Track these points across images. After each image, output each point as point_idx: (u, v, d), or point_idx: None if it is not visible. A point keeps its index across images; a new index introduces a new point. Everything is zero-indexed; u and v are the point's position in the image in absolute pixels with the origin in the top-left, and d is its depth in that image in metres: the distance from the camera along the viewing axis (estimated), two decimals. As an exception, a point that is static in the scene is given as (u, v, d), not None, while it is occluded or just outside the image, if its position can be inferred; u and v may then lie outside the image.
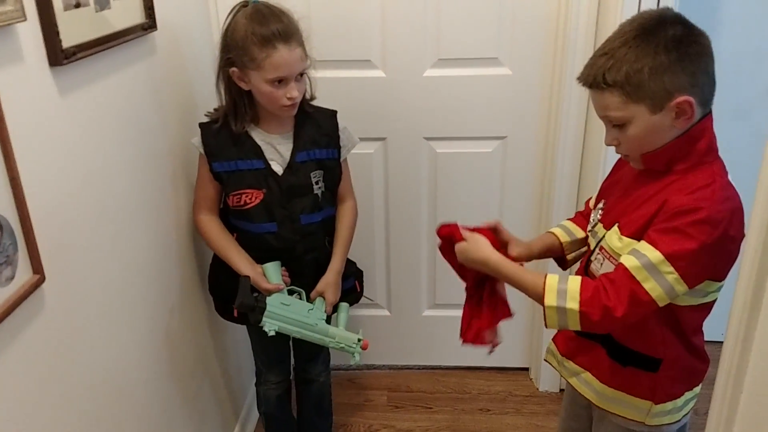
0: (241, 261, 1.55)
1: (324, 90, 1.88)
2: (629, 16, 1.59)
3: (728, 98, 2.14)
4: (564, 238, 1.37)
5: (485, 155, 2.07)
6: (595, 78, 1.05)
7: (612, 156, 1.27)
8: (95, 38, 1.15)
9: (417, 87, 1.99)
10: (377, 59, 1.97)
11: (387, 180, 2.14)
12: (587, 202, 1.40)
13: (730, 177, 1.09)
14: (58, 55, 1.03)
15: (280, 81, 1.42)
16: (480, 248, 1.23)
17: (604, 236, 1.17)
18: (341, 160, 1.63)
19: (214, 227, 1.59)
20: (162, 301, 1.48)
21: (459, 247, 1.25)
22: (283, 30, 1.39)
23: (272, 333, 1.49)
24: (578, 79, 1.10)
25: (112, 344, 1.24)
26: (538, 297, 1.10)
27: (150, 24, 1.38)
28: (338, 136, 1.60)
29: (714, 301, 1.15)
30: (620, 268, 1.05)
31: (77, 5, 1.10)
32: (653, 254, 1.02)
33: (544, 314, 1.09)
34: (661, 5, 1.66)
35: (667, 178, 1.09)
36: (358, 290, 1.77)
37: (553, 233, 1.39)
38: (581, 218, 1.39)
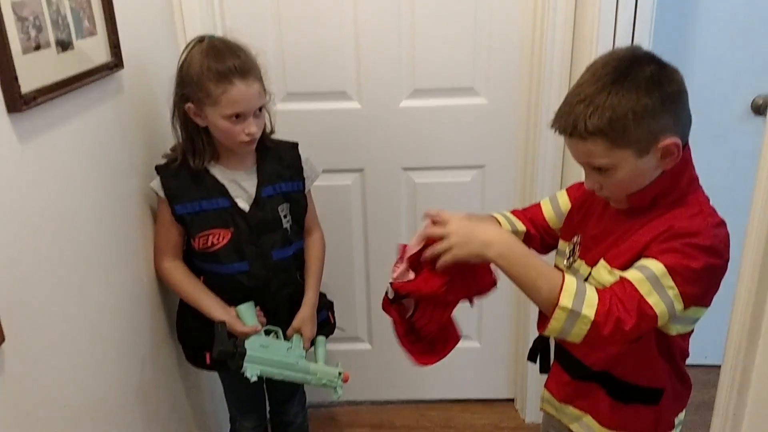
0: (213, 306, 1.49)
1: (299, 122, 1.85)
2: (603, 44, 1.65)
3: (704, 122, 2.14)
4: (505, 226, 1.29)
5: (464, 185, 2.04)
6: (575, 126, 1.00)
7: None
8: (58, 81, 1.11)
9: (393, 118, 1.96)
10: (352, 91, 1.94)
11: (365, 211, 2.10)
12: (530, 209, 1.35)
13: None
14: (17, 102, 0.98)
15: (238, 116, 1.39)
16: (481, 228, 1.07)
17: (590, 273, 1.14)
18: (306, 191, 1.59)
19: (180, 274, 1.53)
20: (133, 350, 1.42)
21: (452, 230, 1.06)
22: (239, 65, 1.36)
23: (254, 378, 1.42)
24: (553, 127, 1.05)
25: (80, 400, 1.17)
26: (553, 291, 0.98)
27: (116, 63, 1.34)
28: (301, 168, 1.57)
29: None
30: (625, 281, 1.00)
31: (37, 47, 1.05)
32: (656, 266, 0.99)
33: (551, 314, 0.98)
34: (636, 35, 1.66)
35: (652, 213, 1.07)
36: (332, 322, 1.73)
37: (495, 218, 1.29)
38: (521, 214, 1.33)
